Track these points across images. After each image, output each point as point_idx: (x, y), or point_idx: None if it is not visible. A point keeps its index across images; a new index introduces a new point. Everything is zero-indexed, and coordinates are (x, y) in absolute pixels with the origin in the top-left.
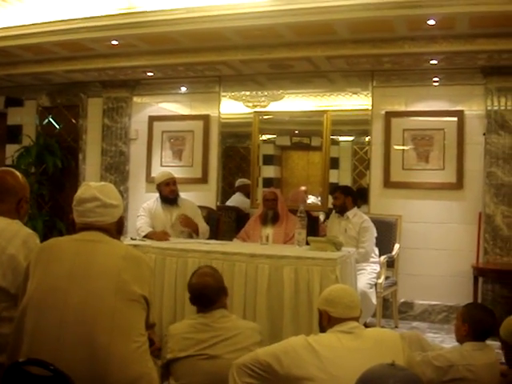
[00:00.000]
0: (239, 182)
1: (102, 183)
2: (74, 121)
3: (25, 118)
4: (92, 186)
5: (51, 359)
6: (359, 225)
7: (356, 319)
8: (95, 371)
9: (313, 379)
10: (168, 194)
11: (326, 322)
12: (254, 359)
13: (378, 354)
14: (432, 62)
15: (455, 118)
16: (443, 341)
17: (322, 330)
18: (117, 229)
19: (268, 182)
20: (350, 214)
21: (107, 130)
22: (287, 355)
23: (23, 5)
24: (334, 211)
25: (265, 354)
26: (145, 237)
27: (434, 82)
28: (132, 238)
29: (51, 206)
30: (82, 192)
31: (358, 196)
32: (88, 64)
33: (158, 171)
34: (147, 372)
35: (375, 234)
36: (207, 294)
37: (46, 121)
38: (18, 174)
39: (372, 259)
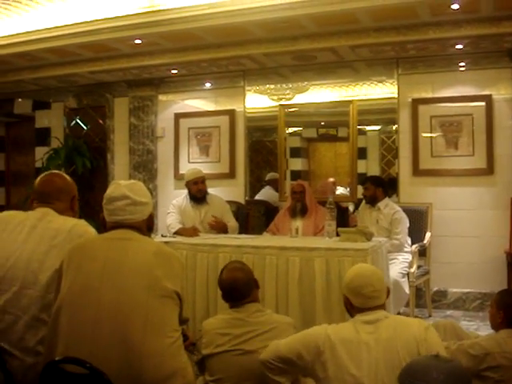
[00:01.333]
0: (270, 175)
1: (132, 181)
2: (101, 121)
3: (52, 120)
4: (122, 185)
5: (87, 357)
6: (391, 216)
7: (380, 307)
8: (130, 368)
9: (332, 379)
10: (196, 193)
11: (349, 307)
12: (277, 356)
13: (396, 345)
14: (457, 46)
15: (483, 103)
16: (478, 328)
17: (349, 312)
18: (147, 226)
19: (296, 175)
20: (381, 204)
21: (134, 128)
22: (309, 352)
23: (45, 8)
24: (364, 202)
25: (287, 350)
26: (175, 233)
27: (461, 66)
28: (163, 235)
29: (82, 206)
30: (111, 190)
31: (388, 186)
32: (112, 64)
33: (185, 168)
34: (182, 367)
35: (408, 225)
36: (238, 288)
37: (74, 122)
38: (65, 175)
39: (404, 249)
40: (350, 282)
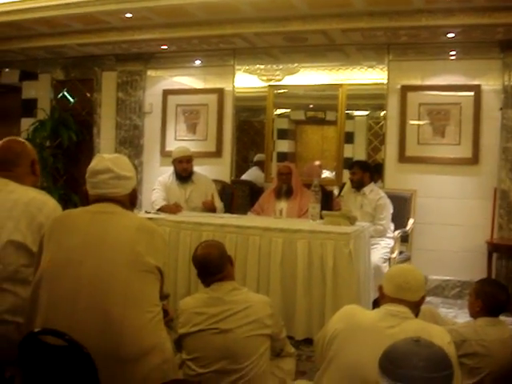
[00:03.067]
0: (258, 156)
1: (116, 155)
2: (88, 94)
3: (39, 91)
4: (105, 158)
5: (66, 330)
6: (375, 201)
7: (409, 303)
8: (109, 341)
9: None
10: (181, 171)
11: (381, 296)
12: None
13: None
14: (449, 35)
15: (472, 93)
16: (456, 316)
17: (379, 302)
18: (130, 200)
19: (282, 157)
20: (366, 189)
21: (121, 103)
22: (328, 330)
23: None
24: (347, 186)
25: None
26: (159, 210)
27: (451, 55)
28: (146, 212)
29: (66, 179)
30: (95, 164)
31: (374, 171)
32: (102, 37)
33: (172, 145)
34: (161, 342)
35: (391, 211)
36: (212, 263)
37: (61, 94)
38: (22, 140)
39: (387, 234)
40: (389, 270)
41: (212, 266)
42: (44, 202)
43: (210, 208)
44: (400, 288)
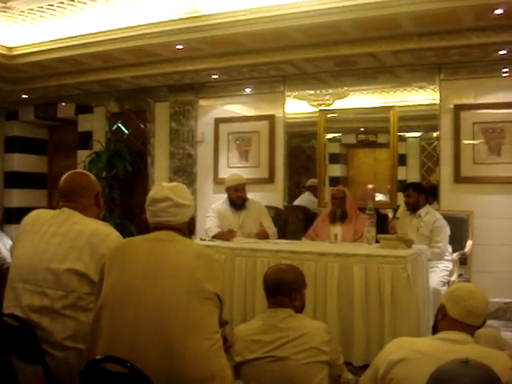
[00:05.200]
0: (311, 181)
1: (174, 183)
2: (142, 125)
3: (95, 124)
4: (164, 187)
5: (127, 357)
6: (432, 223)
7: (471, 328)
8: (170, 369)
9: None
10: (235, 199)
11: (441, 316)
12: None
13: None
14: (500, 52)
15: None
16: None
17: (435, 323)
18: (188, 228)
19: (334, 181)
20: (421, 212)
21: (174, 133)
22: (382, 366)
23: (88, 14)
24: (402, 208)
25: (369, 372)
26: (213, 237)
27: (504, 72)
28: (201, 239)
29: (122, 209)
30: (154, 192)
31: (429, 193)
32: (154, 69)
33: (225, 172)
34: (221, 369)
35: (449, 233)
36: (283, 281)
37: (115, 126)
38: (87, 173)
39: (445, 257)
40: (454, 290)
41: (282, 285)
42: (107, 234)
43: (263, 238)
44: (469, 313)
